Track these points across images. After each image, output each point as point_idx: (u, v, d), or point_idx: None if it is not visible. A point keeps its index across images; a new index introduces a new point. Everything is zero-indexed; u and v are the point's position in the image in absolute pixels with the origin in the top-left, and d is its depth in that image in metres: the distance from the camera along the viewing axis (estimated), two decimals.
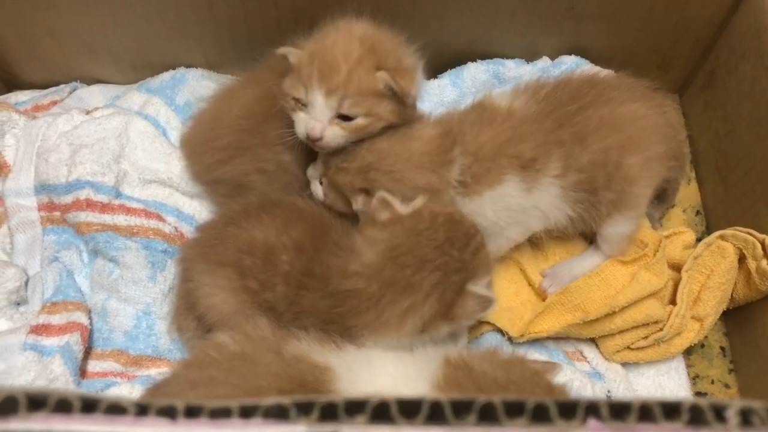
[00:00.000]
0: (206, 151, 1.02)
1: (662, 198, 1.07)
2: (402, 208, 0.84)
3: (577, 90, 0.94)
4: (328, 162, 0.92)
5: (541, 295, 1.02)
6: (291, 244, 0.86)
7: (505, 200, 0.91)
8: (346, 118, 0.87)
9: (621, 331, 0.99)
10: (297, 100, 0.89)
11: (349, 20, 0.92)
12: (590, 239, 1.04)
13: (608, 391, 0.99)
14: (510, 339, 0.99)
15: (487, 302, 0.82)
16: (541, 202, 0.92)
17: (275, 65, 0.96)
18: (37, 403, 0.38)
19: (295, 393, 0.72)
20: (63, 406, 0.38)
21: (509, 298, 1.03)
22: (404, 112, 0.90)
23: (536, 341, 1.02)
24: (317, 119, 0.87)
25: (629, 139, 0.91)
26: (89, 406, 0.38)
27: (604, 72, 1.12)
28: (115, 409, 0.38)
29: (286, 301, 0.85)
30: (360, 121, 0.88)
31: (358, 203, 0.89)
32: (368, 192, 0.88)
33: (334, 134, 0.88)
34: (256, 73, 1.01)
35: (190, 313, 0.92)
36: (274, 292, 0.85)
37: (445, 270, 0.81)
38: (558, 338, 1.03)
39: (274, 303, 0.85)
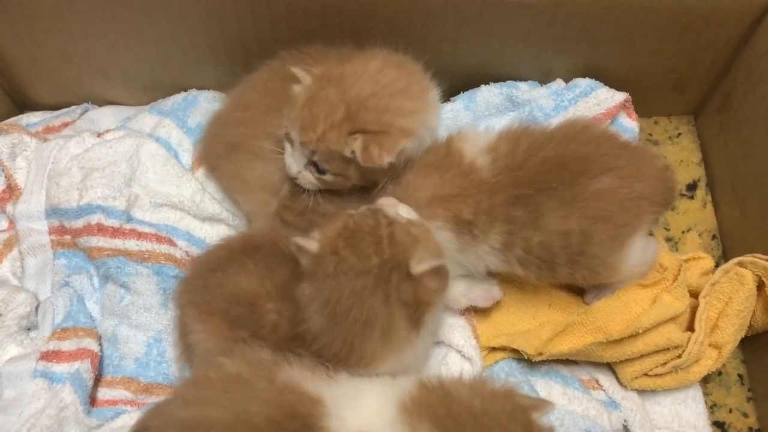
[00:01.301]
0: (228, 108, 1.04)
1: None
2: (311, 246, 0.82)
3: (548, 165, 0.88)
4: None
5: (565, 309, 1.01)
6: (275, 289, 0.85)
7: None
8: (319, 168, 0.91)
9: (641, 356, 0.97)
10: (287, 134, 0.92)
11: (368, 59, 0.93)
12: None
13: (624, 421, 0.97)
14: (529, 358, 0.97)
15: (439, 270, 0.79)
16: (479, 260, 0.92)
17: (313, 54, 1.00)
18: None
19: (285, 424, 0.73)
20: None
21: (527, 321, 1.01)
22: (377, 174, 0.90)
23: (552, 369, 1.00)
24: (295, 160, 0.92)
25: (593, 220, 0.87)
26: None
27: (617, 97, 1.11)
28: None
29: (279, 350, 0.83)
30: (329, 177, 0.91)
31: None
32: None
33: (307, 179, 0.92)
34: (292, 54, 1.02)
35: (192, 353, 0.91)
36: (266, 340, 0.84)
37: (383, 282, 0.78)
38: (573, 365, 1.01)
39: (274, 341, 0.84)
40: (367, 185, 0.93)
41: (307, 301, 0.81)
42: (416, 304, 0.80)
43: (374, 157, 0.86)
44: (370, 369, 0.81)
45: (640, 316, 0.95)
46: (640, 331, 0.94)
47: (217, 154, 1.05)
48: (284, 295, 0.84)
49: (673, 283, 0.98)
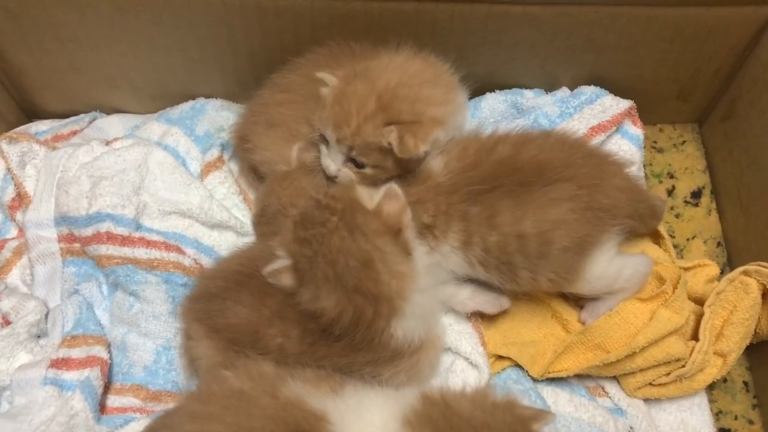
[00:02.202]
0: (269, 90, 1.05)
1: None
2: (282, 263, 0.83)
3: (501, 165, 0.89)
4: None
5: (566, 326, 1.01)
6: (273, 315, 0.85)
7: None
8: (357, 163, 0.92)
9: (642, 370, 0.97)
10: (322, 136, 0.93)
11: (392, 56, 0.95)
12: None
13: (630, 428, 0.98)
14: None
15: (389, 194, 0.82)
16: (445, 264, 0.92)
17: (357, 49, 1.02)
18: None
19: None
20: None
21: (532, 331, 1.02)
22: (412, 164, 0.92)
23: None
24: (333, 160, 0.93)
25: (553, 224, 0.86)
26: None
27: (622, 105, 1.11)
28: None
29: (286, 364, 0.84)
30: (368, 171, 0.92)
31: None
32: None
33: (347, 176, 0.93)
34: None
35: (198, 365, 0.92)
36: (275, 355, 0.85)
37: (353, 227, 0.80)
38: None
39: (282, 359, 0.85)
40: (402, 174, 0.94)
41: (314, 297, 0.81)
42: (391, 231, 0.82)
43: (410, 147, 0.87)
44: (403, 309, 0.82)
45: (637, 335, 0.95)
46: (637, 350, 0.94)
47: (255, 129, 1.06)
48: (284, 318, 0.85)
49: (672, 295, 0.98)
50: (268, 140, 1.04)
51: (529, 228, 0.87)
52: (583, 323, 0.99)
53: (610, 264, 0.93)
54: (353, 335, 0.82)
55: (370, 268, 0.80)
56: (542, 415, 0.76)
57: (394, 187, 0.83)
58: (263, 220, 0.99)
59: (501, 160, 0.90)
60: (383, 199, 0.83)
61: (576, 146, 0.95)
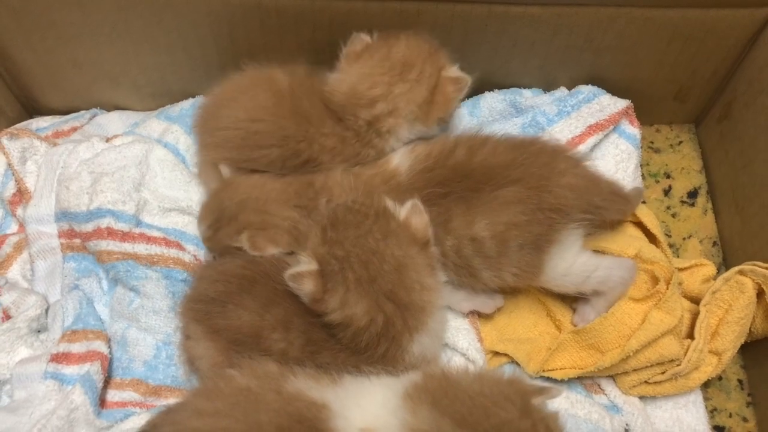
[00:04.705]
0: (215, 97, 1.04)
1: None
2: (309, 267, 0.82)
3: (455, 170, 0.92)
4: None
5: (559, 326, 1.02)
6: (277, 323, 0.85)
7: None
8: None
9: (636, 370, 0.98)
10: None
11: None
12: None
13: (626, 425, 0.99)
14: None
15: (415, 209, 0.85)
16: None
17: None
18: None
19: (294, 429, 0.76)
20: None
21: (528, 328, 1.03)
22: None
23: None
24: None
25: (506, 226, 0.88)
26: None
27: (620, 104, 1.12)
28: None
29: (300, 358, 0.85)
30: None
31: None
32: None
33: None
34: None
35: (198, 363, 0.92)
36: (277, 357, 0.85)
37: (388, 231, 0.82)
38: None
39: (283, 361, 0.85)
40: None
41: (342, 303, 0.80)
42: (419, 243, 0.84)
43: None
44: (428, 324, 0.84)
45: (630, 338, 0.95)
46: (631, 354, 0.95)
47: (206, 141, 1.05)
48: (288, 328, 0.85)
49: (665, 294, 0.98)
50: (206, 168, 1.04)
51: (483, 231, 0.88)
52: (575, 326, 1.00)
53: (575, 261, 0.94)
54: (376, 348, 0.82)
55: (404, 275, 0.81)
56: (545, 390, 0.77)
57: (418, 203, 0.85)
58: (221, 224, 0.96)
59: (454, 165, 0.92)
60: (410, 212, 0.84)
61: (526, 145, 0.96)
